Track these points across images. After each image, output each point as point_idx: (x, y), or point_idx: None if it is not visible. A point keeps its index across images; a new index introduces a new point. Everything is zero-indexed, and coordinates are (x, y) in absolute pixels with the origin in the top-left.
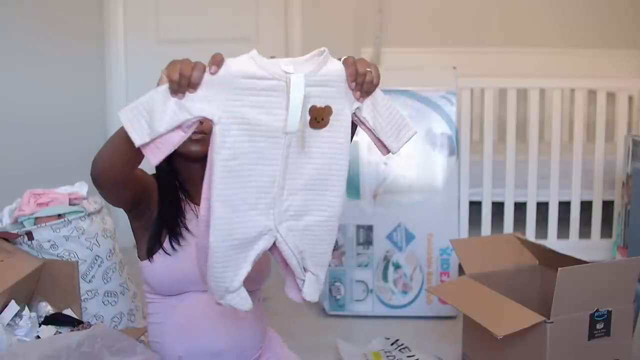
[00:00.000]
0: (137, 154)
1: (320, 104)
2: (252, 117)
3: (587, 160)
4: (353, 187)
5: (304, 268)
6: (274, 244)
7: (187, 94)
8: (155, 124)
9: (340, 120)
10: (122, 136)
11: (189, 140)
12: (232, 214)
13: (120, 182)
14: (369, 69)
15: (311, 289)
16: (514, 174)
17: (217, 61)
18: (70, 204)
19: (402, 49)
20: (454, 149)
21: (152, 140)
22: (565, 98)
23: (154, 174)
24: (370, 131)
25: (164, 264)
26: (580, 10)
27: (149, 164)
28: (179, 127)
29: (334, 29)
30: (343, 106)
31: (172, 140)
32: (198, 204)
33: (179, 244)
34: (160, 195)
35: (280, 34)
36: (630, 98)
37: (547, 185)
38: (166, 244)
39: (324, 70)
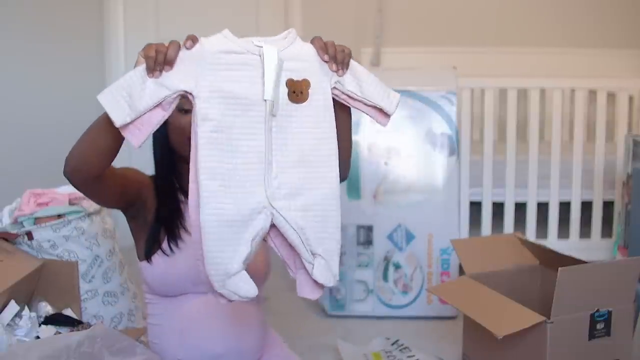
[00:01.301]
0: (113, 144)
1: (296, 77)
2: (230, 90)
3: (587, 160)
4: (353, 187)
5: (312, 252)
6: (273, 226)
7: (164, 72)
8: (135, 103)
9: (320, 94)
10: (100, 125)
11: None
12: (220, 188)
13: (95, 176)
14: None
15: (322, 273)
16: (514, 174)
17: (191, 37)
18: (70, 204)
19: (402, 49)
20: (454, 149)
21: (132, 122)
22: (565, 98)
23: (152, 175)
24: (361, 102)
25: (163, 265)
26: (580, 10)
27: (150, 164)
28: (159, 105)
29: (334, 29)
30: (320, 80)
31: (153, 120)
32: None
33: (177, 245)
34: (158, 195)
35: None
36: (631, 98)
37: (548, 185)
38: (165, 245)
39: (295, 47)
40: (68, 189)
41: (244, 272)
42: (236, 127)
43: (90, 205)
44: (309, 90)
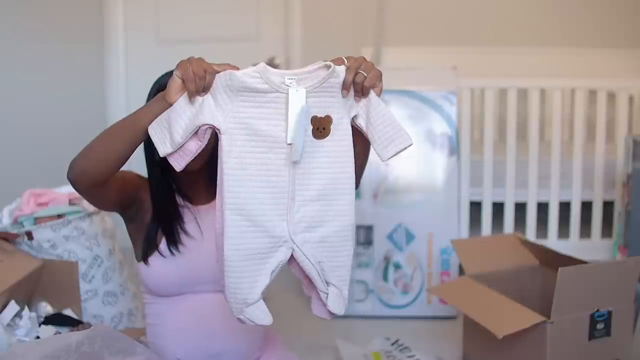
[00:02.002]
0: (130, 152)
1: (320, 113)
2: (257, 127)
3: (587, 160)
4: None
5: (326, 282)
6: (292, 257)
7: (198, 103)
8: (174, 134)
9: (341, 129)
10: (121, 133)
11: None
12: (244, 223)
13: (101, 182)
14: (361, 71)
15: (335, 302)
16: (514, 174)
17: (226, 67)
18: (70, 204)
19: (402, 48)
20: (454, 149)
21: (175, 150)
22: (565, 98)
23: (147, 178)
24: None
25: (160, 267)
26: (580, 10)
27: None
28: (195, 135)
29: (334, 29)
30: (342, 115)
31: (192, 149)
32: (199, 204)
33: (177, 249)
34: (154, 198)
35: (280, 34)
36: (631, 98)
37: (548, 185)
38: (162, 246)
39: (325, 83)
40: (68, 189)
41: (262, 302)
42: (260, 164)
43: (90, 205)
44: (331, 126)
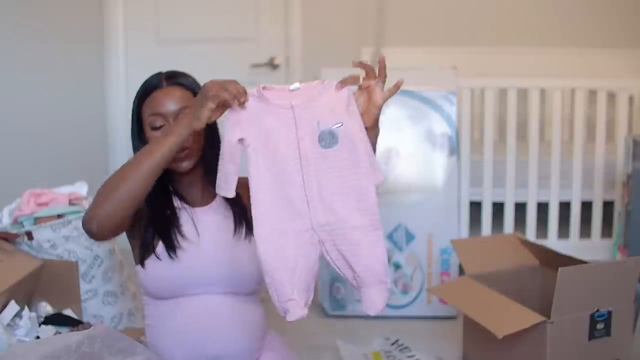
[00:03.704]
0: (147, 192)
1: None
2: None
3: (587, 160)
4: None
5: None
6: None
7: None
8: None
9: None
10: (139, 175)
11: (177, 159)
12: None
13: (123, 224)
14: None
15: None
16: (514, 174)
17: (244, 94)
18: (70, 204)
19: (402, 48)
20: (454, 149)
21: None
22: (565, 98)
23: None
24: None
25: (157, 270)
26: (580, 10)
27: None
28: (233, 161)
29: (334, 29)
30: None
31: (231, 172)
32: (195, 206)
33: (175, 253)
34: (149, 201)
35: (280, 34)
36: (631, 98)
37: (548, 185)
38: (159, 250)
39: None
40: (68, 189)
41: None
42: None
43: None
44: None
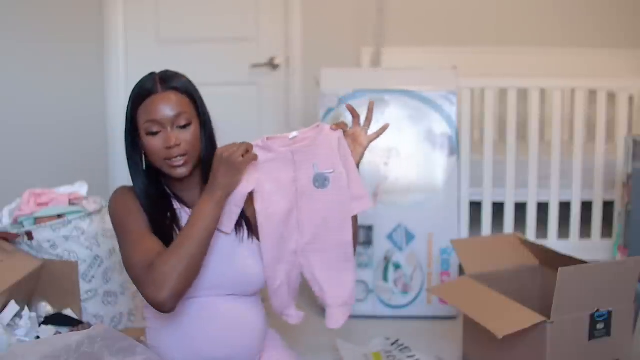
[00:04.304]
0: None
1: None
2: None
3: (587, 160)
4: None
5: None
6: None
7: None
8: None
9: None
10: (201, 246)
11: (174, 166)
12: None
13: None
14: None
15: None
16: (514, 174)
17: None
18: (70, 204)
19: (402, 48)
20: (454, 149)
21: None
22: (565, 98)
23: (131, 187)
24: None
25: None
26: (580, 10)
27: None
28: (238, 205)
29: (334, 29)
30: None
31: (234, 213)
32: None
33: None
34: (149, 207)
35: (280, 34)
36: (631, 98)
37: (548, 185)
38: None
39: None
40: (68, 189)
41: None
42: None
43: (90, 205)
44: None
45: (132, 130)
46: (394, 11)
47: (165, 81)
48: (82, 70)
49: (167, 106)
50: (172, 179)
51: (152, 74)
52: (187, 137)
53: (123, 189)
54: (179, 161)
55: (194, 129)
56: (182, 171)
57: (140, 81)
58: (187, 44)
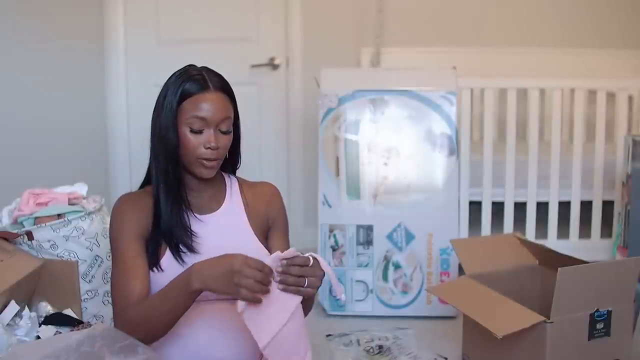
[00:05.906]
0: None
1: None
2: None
3: (587, 160)
4: (353, 187)
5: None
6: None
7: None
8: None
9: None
10: (180, 301)
11: (206, 167)
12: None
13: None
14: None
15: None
16: (514, 174)
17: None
18: (69, 204)
19: (402, 49)
20: (454, 149)
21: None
22: (565, 98)
23: (141, 190)
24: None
25: (160, 280)
26: (580, 10)
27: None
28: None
29: (334, 29)
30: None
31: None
32: (201, 214)
33: (182, 260)
34: (159, 210)
35: (280, 34)
36: (630, 98)
37: (547, 185)
38: (163, 259)
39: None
40: (68, 189)
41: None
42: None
43: (90, 205)
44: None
45: (172, 118)
46: (393, 11)
47: (216, 81)
48: (82, 70)
49: (217, 107)
50: (188, 183)
51: (195, 67)
52: (225, 143)
53: (123, 198)
54: (212, 163)
55: (231, 137)
56: (210, 173)
57: (187, 73)
58: (187, 44)
